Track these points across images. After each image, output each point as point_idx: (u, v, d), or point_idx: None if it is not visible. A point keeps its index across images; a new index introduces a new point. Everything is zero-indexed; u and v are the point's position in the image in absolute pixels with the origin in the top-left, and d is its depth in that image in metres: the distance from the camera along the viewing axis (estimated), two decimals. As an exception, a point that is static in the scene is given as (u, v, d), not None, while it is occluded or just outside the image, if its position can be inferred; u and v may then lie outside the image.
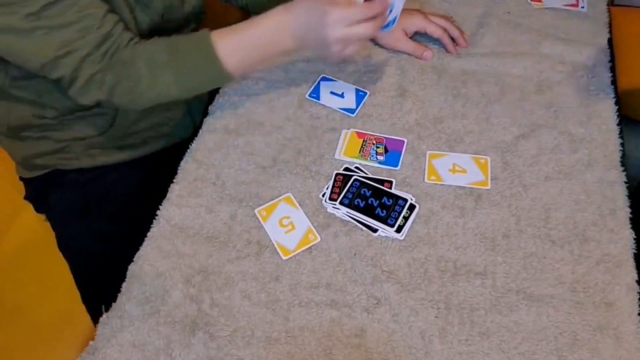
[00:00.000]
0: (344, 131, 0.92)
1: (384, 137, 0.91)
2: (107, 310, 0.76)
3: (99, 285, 0.79)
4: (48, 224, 1.05)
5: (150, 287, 0.77)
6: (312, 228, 0.81)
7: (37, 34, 0.77)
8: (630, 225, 0.79)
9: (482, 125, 0.92)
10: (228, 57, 0.84)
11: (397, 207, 0.81)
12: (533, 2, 1.10)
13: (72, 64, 0.80)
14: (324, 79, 0.99)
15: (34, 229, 1.13)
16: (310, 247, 0.80)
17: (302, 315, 0.74)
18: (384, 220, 0.80)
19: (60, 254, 1.03)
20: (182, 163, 0.91)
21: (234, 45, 0.85)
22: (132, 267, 0.80)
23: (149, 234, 0.82)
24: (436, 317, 0.73)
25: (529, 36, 1.03)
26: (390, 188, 0.84)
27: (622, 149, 0.87)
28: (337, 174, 0.86)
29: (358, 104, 0.96)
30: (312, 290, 0.76)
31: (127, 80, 0.83)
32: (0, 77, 0.89)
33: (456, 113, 0.93)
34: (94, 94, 0.84)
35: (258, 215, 0.83)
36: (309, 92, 0.98)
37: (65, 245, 1.03)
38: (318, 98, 0.97)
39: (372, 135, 0.91)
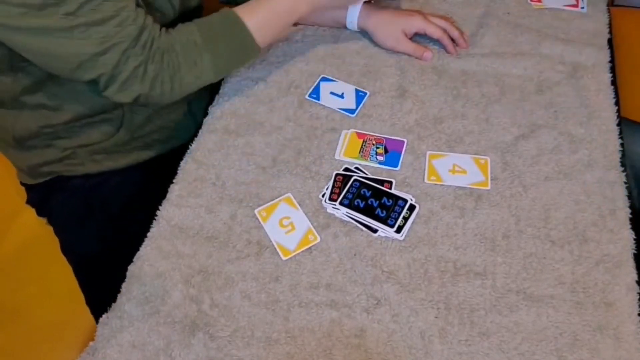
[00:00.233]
0: (343, 131, 0.92)
1: (384, 138, 0.91)
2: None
3: (103, 287, 0.79)
4: (48, 225, 1.05)
5: (150, 287, 0.77)
6: (312, 228, 0.81)
7: (76, 32, 0.76)
8: (630, 226, 0.79)
9: (482, 125, 0.92)
10: (257, 31, 0.88)
11: (397, 208, 0.81)
12: (533, 2, 1.10)
13: (113, 60, 0.80)
14: (324, 79, 0.99)
15: (34, 229, 1.13)
16: (310, 248, 0.80)
17: (302, 315, 0.74)
18: (383, 221, 0.80)
19: (60, 255, 1.03)
20: (182, 163, 0.91)
21: (260, 18, 0.89)
22: (131, 268, 0.80)
23: (148, 234, 0.82)
24: (436, 317, 0.73)
25: (529, 36, 1.03)
26: (390, 188, 0.84)
27: (622, 149, 0.87)
28: (337, 174, 0.86)
29: (358, 104, 0.96)
30: (312, 290, 0.76)
31: (168, 68, 0.84)
32: (9, 86, 0.88)
33: (456, 113, 0.93)
34: (136, 88, 0.83)
35: (258, 215, 0.83)
36: (309, 93, 0.98)
37: (69, 249, 1.03)
38: (318, 98, 0.97)
39: (372, 135, 0.91)
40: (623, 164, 0.85)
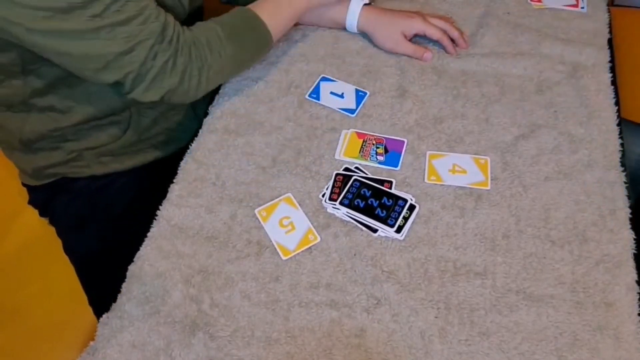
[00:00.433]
0: (343, 131, 0.92)
1: (384, 138, 0.91)
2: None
3: (106, 288, 0.79)
4: (50, 225, 1.05)
5: (150, 287, 0.77)
6: (312, 228, 0.81)
7: (102, 33, 0.76)
8: (630, 226, 0.79)
9: (482, 125, 0.92)
10: (271, 28, 0.93)
11: (397, 208, 0.82)
12: (533, 2, 1.10)
13: (141, 57, 0.80)
14: (324, 79, 0.99)
15: (35, 229, 1.13)
16: (310, 247, 0.80)
17: (302, 315, 0.74)
18: (383, 221, 0.80)
19: (60, 255, 1.03)
20: (182, 163, 0.91)
21: (271, 13, 0.94)
22: (132, 267, 0.80)
23: (148, 234, 0.82)
24: (436, 317, 0.73)
25: (529, 36, 1.03)
26: (390, 188, 0.84)
27: (622, 149, 0.87)
28: (337, 174, 0.86)
29: (358, 104, 0.96)
30: (312, 290, 0.76)
31: (197, 60, 0.86)
32: (20, 89, 0.88)
33: (456, 113, 0.93)
34: (165, 84, 0.84)
35: (258, 215, 0.83)
36: (309, 92, 0.98)
37: (71, 250, 1.03)
38: (318, 98, 0.97)
39: (372, 135, 0.91)
40: (623, 164, 0.85)
